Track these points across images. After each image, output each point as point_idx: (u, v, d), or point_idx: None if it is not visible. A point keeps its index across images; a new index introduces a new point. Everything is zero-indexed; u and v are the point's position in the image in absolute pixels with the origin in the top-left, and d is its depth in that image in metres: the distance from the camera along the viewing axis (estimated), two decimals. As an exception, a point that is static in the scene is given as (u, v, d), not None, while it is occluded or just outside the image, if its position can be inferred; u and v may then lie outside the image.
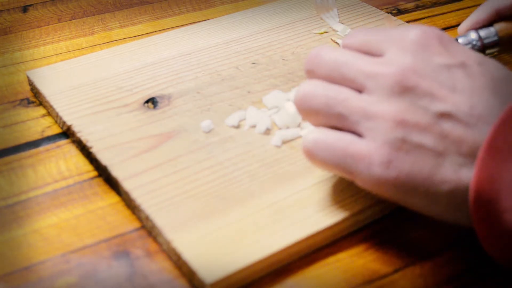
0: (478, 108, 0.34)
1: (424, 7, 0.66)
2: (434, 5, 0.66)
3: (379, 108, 0.35)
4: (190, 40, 0.57)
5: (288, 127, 0.46)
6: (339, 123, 0.37)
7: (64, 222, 0.41)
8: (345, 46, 0.40)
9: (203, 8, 0.66)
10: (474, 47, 0.46)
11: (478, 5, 0.65)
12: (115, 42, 0.60)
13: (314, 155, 0.37)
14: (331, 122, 0.37)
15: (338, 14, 0.61)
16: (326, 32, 0.58)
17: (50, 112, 0.50)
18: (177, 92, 0.50)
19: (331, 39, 0.57)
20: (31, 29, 0.63)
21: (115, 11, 0.66)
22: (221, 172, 0.43)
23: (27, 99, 0.52)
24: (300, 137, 0.45)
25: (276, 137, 0.45)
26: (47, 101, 0.50)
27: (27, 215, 0.41)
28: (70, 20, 0.64)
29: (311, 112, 0.38)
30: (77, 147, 0.47)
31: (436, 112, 0.35)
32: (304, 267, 0.38)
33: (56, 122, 0.49)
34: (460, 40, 0.47)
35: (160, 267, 0.38)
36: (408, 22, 0.61)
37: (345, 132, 0.37)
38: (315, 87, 0.38)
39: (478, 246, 0.39)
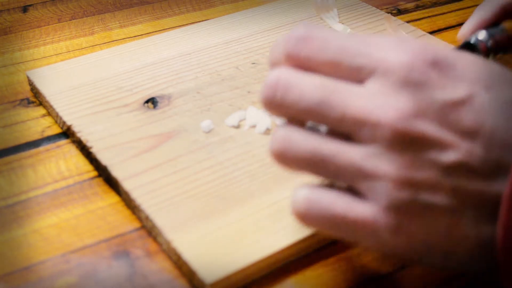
0: (495, 151, 0.29)
1: (424, 7, 0.66)
2: (434, 5, 0.66)
3: (378, 165, 0.30)
4: (190, 40, 0.57)
5: None
6: (331, 179, 0.32)
7: (64, 222, 0.41)
8: (302, 60, 0.32)
9: (203, 8, 0.66)
10: (487, 48, 0.43)
11: (478, 5, 0.65)
12: (115, 42, 0.60)
13: (307, 220, 0.32)
14: (319, 177, 0.32)
15: (338, 14, 0.61)
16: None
17: (50, 112, 0.50)
18: (177, 92, 0.50)
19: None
20: (31, 29, 0.63)
21: (115, 11, 0.66)
22: (221, 172, 0.43)
23: (27, 99, 0.52)
24: None
25: None
26: (47, 101, 0.50)
27: (27, 215, 0.41)
28: (70, 20, 0.64)
29: (294, 167, 0.32)
30: (77, 147, 0.47)
31: (447, 164, 0.29)
32: (304, 267, 0.38)
33: (56, 122, 0.49)
34: (472, 41, 0.43)
35: (160, 267, 0.38)
36: (408, 22, 0.61)
37: (341, 191, 0.31)
38: (290, 135, 0.31)
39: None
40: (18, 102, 0.52)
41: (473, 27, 0.46)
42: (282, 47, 0.32)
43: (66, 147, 0.47)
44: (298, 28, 0.32)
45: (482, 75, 0.30)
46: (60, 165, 0.45)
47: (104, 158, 0.44)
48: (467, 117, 0.29)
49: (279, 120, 0.42)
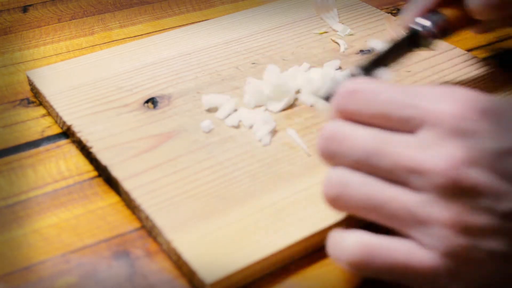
0: None
1: (424, 7, 0.65)
2: (434, 5, 0.66)
3: (432, 212, 0.30)
4: (190, 40, 0.57)
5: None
6: (385, 223, 0.32)
7: (64, 222, 0.41)
8: (353, 113, 0.33)
9: (203, 8, 0.66)
10: (431, 34, 0.45)
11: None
12: (115, 42, 0.60)
13: (365, 267, 0.32)
14: (372, 220, 0.33)
15: (338, 14, 0.61)
16: (326, 32, 0.58)
17: (50, 112, 0.50)
18: (177, 92, 0.50)
19: (331, 39, 0.57)
20: (31, 29, 0.63)
21: (115, 11, 0.66)
22: (221, 172, 0.43)
23: (27, 99, 0.52)
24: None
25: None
26: (47, 101, 0.50)
27: (27, 215, 0.41)
28: (70, 20, 0.64)
29: (348, 210, 0.33)
30: (77, 147, 0.47)
31: (503, 212, 0.29)
32: (304, 267, 0.38)
33: (56, 122, 0.49)
34: (417, 27, 0.45)
35: (160, 267, 0.38)
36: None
37: (399, 238, 0.31)
38: (347, 180, 0.32)
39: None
40: (18, 102, 0.52)
41: (415, 13, 0.47)
42: (334, 102, 0.34)
43: (66, 147, 0.47)
44: (347, 83, 0.33)
45: None
46: (60, 165, 0.45)
47: (104, 158, 0.44)
48: None
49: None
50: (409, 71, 0.52)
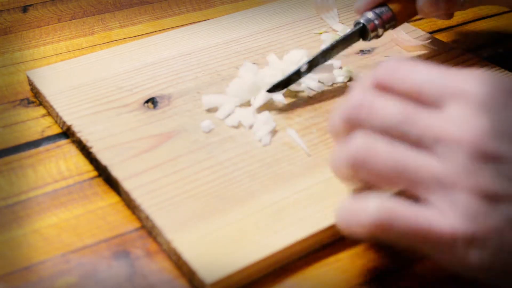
0: None
1: (424, 7, 0.65)
2: (434, 5, 0.66)
3: (458, 179, 0.31)
4: (190, 40, 0.57)
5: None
6: (409, 188, 0.32)
7: (64, 222, 0.41)
8: (388, 87, 0.34)
9: (203, 8, 0.66)
10: (374, 25, 0.50)
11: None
12: (115, 42, 0.60)
13: (386, 231, 0.32)
14: (393, 187, 0.33)
15: (338, 14, 0.61)
16: (326, 32, 0.58)
17: (50, 112, 0.50)
18: (177, 92, 0.50)
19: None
20: (31, 29, 0.63)
21: (115, 11, 0.66)
22: (221, 172, 0.43)
23: (27, 99, 0.52)
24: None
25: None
26: (47, 101, 0.50)
27: (27, 215, 0.41)
28: (70, 20, 0.64)
29: (371, 177, 0.33)
30: (77, 147, 0.47)
31: None
32: (304, 267, 0.38)
33: (56, 122, 0.49)
34: (362, 20, 0.50)
35: (160, 267, 0.38)
36: (408, 22, 0.61)
37: (421, 204, 0.32)
38: (375, 145, 0.33)
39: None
40: (18, 102, 0.52)
41: (365, 8, 0.51)
42: (374, 73, 0.35)
43: (66, 147, 0.47)
44: (389, 61, 0.35)
45: None
46: (60, 165, 0.45)
47: (104, 158, 0.44)
48: None
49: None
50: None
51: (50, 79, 0.52)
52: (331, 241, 0.39)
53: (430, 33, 0.59)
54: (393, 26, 0.51)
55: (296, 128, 0.46)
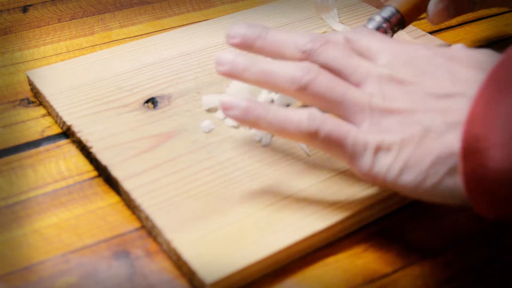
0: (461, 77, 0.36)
1: (424, 7, 0.65)
2: (434, 5, 0.66)
3: (375, 102, 0.37)
4: (190, 40, 0.57)
5: None
6: (336, 110, 0.38)
7: (64, 222, 0.41)
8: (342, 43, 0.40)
9: (203, 8, 0.66)
10: (383, 30, 0.49)
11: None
12: (115, 42, 0.60)
13: (313, 135, 0.37)
14: (328, 109, 0.39)
15: (338, 14, 0.61)
16: (326, 32, 0.58)
17: (50, 112, 0.50)
18: (177, 92, 0.50)
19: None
20: (31, 29, 0.63)
21: (115, 11, 0.66)
22: (221, 172, 0.43)
23: (27, 99, 0.52)
24: None
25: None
26: (47, 101, 0.50)
27: (27, 215, 0.41)
28: (70, 20, 0.64)
29: (307, 95, 0.39)
30: (77, 147, 0.47)
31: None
32: (304, 267, 0.38)
33: (56, 122, 0.49)
34: (370, 26, 0.50)
35: (160, 267, 0.38)
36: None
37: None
38: (319, 72, 0.39)
39: (478, 246, 0.39)
40: (18, 102, 0.52)
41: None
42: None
43: (66, 147, 0.47)
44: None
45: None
46: (60, 165, 0.45)
47: (104, 158, 0.44)
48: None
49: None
50: None
51: (50, 79, 0.52)
52: (331, 241, 0.39)
53: (430, 33, 0.59)
54: (402, 27, 0.51)
55: (296, 128, 0.46)
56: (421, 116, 0.35)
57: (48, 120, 0.50)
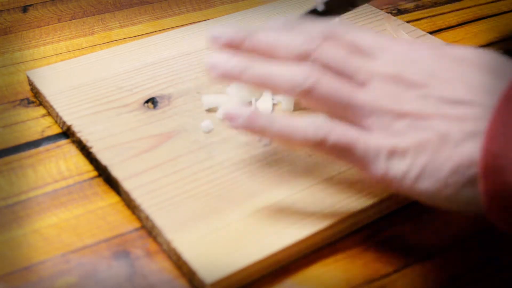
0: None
1: (424, 7, 0.66)
2: (434, 5, 0.66)
3: (385, 103, 0.36)
4: (190, 40, 0.57)
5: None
6: (344, 116, 0.37)
7: (64, 222, 0.41)
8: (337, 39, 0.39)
9: (203, 8, 0.66)
10: (323, 12, 0.49)
11: (479, 4, 0.65)
12: (115, 42, 0.60)
13: (322, 143, 0.36)
14: (333, 114, 0.38)
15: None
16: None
17: (50, 112, 0.50)
18: (177, 92, 0.50)
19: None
20: (31, 29, 0.63)
21: (115, 11, 0.66)
22: (221, 172, 0.43)
23: (27, 99, 0.52)
24: None
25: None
26: (47, 101, 0.50)
27: (27, 215, 0.41)
28: (70, 20, 0.64)
29: (310, 98, 0.38)
30: (77, 147, 0.47)
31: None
32: (304, 267, 0.38)
33: (56, 122, 0.49)
34: (311, 10, 0.49)
35: (160, 267, 0.38)
36: (408, 22, 0.61)
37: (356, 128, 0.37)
38: (320, 75, 0.37)
39: (478, 246, 0.39)
40: (18, 102, 0.52)
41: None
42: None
43: (66, 147, 0.47)
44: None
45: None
46: (60, 165, 0.45)
47: (104, 158, 0.44)
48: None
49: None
50: None
51: (50, 79, 0.52)
52: (331, 241, 0.39)
53: (430, 33, 0.59)
54: (354, 6, 0.51)
55: (296, 128, 0.46)
56: (436, 122, 0.34)
57: (48, 120, 0.50)
